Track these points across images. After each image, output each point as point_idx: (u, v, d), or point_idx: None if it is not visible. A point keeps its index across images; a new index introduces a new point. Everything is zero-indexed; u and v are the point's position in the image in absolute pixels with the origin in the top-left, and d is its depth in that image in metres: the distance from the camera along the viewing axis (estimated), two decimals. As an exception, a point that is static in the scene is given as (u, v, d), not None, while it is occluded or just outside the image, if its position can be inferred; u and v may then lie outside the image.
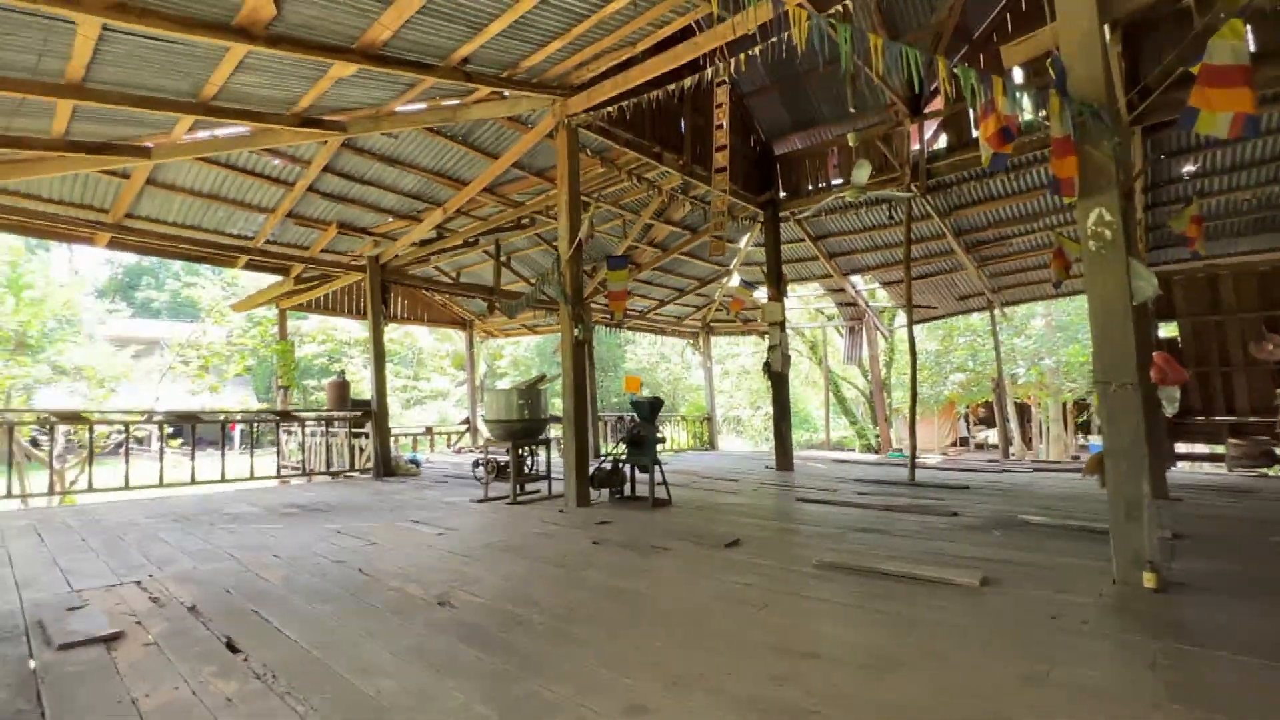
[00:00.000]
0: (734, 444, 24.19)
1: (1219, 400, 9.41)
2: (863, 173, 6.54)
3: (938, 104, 8.73)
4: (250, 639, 2.65)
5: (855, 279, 13.21)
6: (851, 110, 7.76)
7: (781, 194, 10.04)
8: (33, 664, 2.41)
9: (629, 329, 15.20)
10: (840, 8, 4.62)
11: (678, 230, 11.49)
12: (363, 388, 12.33)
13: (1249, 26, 4.82)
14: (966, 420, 21.69)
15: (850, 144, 7.26)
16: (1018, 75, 6.62)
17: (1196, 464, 10.53)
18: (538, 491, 7.06)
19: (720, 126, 7.21)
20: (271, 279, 11.04)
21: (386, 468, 9.50)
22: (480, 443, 14.28)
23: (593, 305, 12.23)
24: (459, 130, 7.56)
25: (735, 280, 11.69)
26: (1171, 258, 9.38)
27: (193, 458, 8.23)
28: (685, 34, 5.78)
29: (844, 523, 5.18)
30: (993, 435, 19.64)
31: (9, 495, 7.17)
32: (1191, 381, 9.18)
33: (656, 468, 6.18)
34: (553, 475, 7.16)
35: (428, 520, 5.55)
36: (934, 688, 2.14)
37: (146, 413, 8.66)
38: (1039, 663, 2.31)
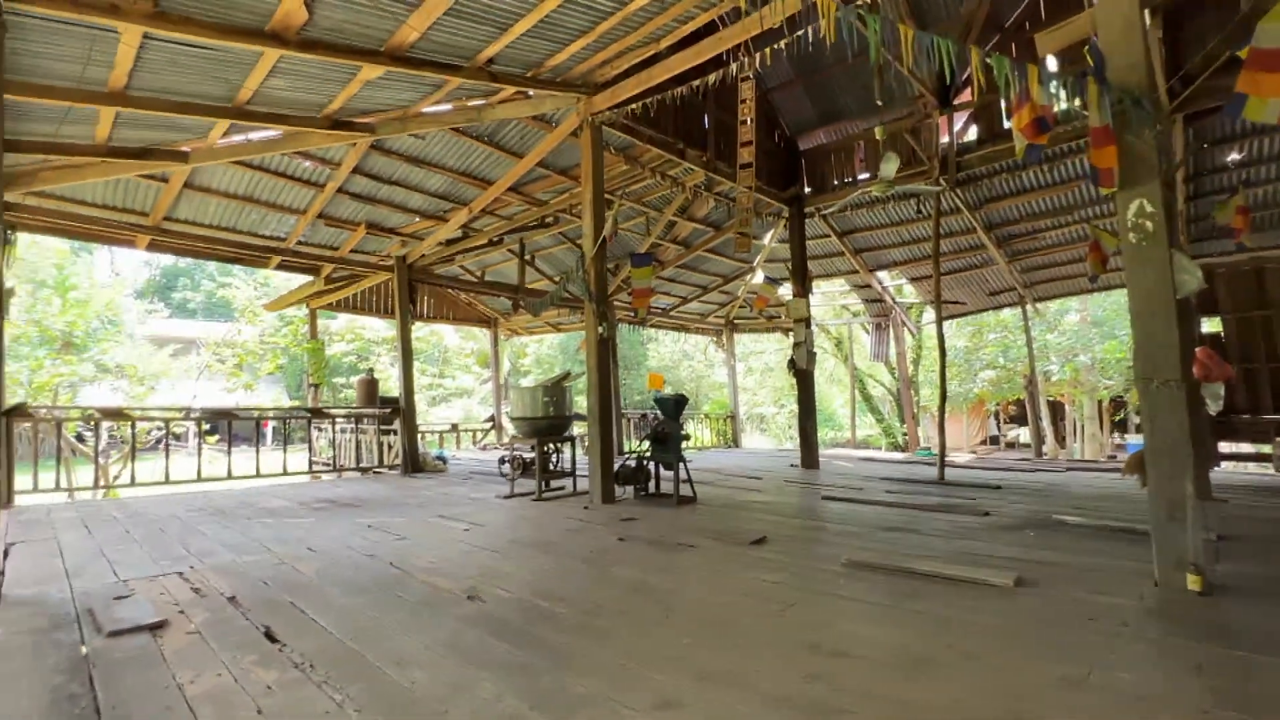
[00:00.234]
0: (758, 442, 24.04)
1: (1266, 398, 9.05)
2: (891, 166, 6.43)
3: (967, 95, 8.55)
4: (288, 629, 2.72)
5: (882, 275, 13.02)
6: (879, 103, 7.62)
7: (806, 189, 9.93)
8: (84, 649, 2.50)
9: (652, 326, 15.21)
10: (868, -1, 4.55)
11: (701, 227, 11.45)
12: (391, 385, 12.55)
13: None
14: (997, 418, 21.23)
15: (877, 137, 7.15)
16: (1051, 64, 6.45)
17: (1242, 464, 10.16)
18: (563, 488, 7.11)
19: (745, 122, 7.16)
20: (302, 279, 11.30)
21: (414, 464, 9.65)
22: (505, 439, 14.43)
23: (616, 303, 12.25)
24: (484, 130, 7.64)
25: (759, 277, 11.61)
26: (1215, 250, 9.05)
27: (229, 454, 8.47)
28: (709, 29, 5.76)
29: (872, 521, 5.11)
30: (1024, 434, 19.20)
31: (57, 488, 7.46)
32: (1236, 378, 8.85)
33: (681, 465, 6.17)
34: (578, 472, 7.20)
35: (456, 516, 5.62)
36: (968, 688, 2.10)
37: (184, 410, 8.93)
38: (1077, 665, 2.26)
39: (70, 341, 12.41)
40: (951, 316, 13.12)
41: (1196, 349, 5.23)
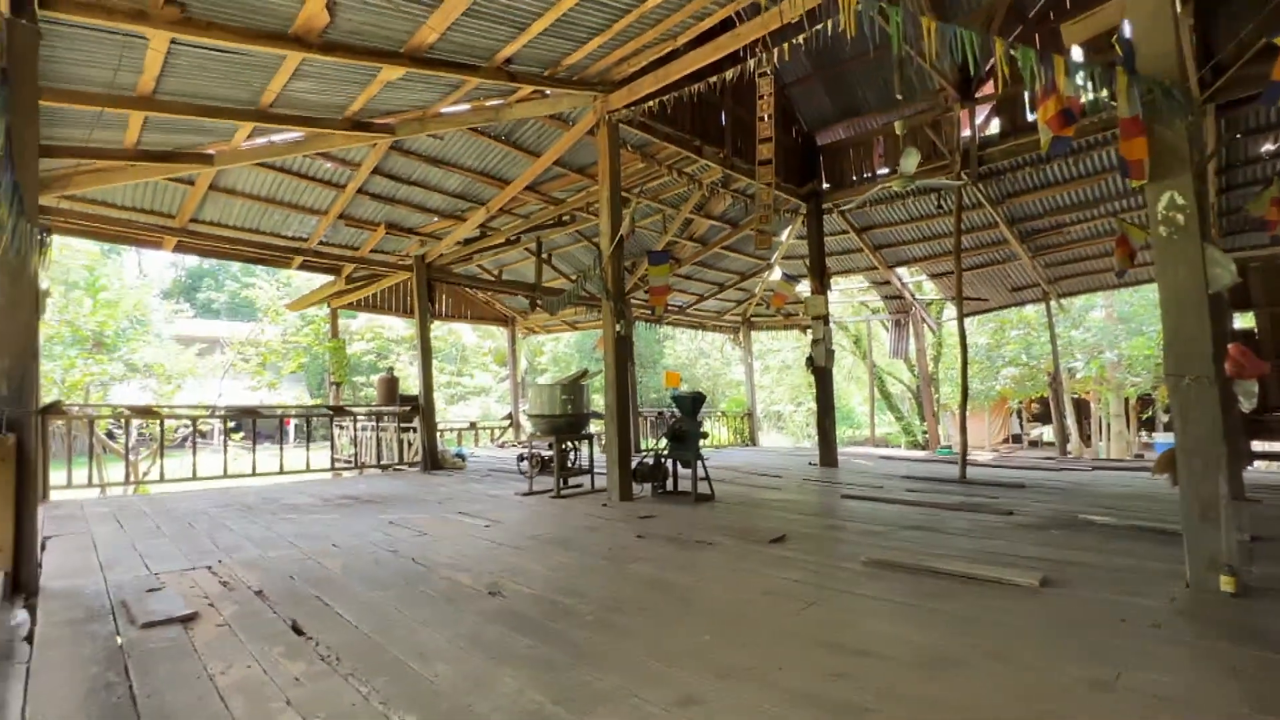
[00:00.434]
0: (775, 440, 23.92)
1: (1301, 395, 8.79)
2: (911, 161, 6.35)
3: (989, 88, 8.40)
4: (314, 622, 2.77)
5: (901, 271, 12.87)
6: (899, 97, 7.52)
7: (824, 185, 9.84)
8: (119, 640, 2.57)
9: (669, 324, 15.19)
10: (889, -9, 4.49)
11: (718, 224, 11.40)
12: (410, 384, 12.68)
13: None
14: (1019, 416, 20.89)
15: (897, 132, 7.06)
16: (1077, 54, 6.32)
17: (1276, 463, 9.88)
18: (580, 486, 7.14)
19: (764, 118, 7.11)
20: (324, 279, 11.46)
21: (434, 461, 9.75)
22: (523, 437, 14.52)
23: (633, 300, 12.27)
24: (502, 130, 7.68)
25: (777, 274, 11.53)
26: (1249, 244, 8.80)
27: (253, 451, 8.63)
28: (726, 25, 5.73)
29: (892, 520, 5.06)
30: (1047, 432, 18.87)
31: (90, 484, 7.66)
32: (1270, 375, 8.60)
33: (699, 463, 6.16)
34: (595, 470, 7.23)
35: (475, 512, 5.68)
36: (994, 688, 2.08)
37: (210, 408, 9.12)
38: (1107, 666, 2.22)
39: (101, 341, 12.73)
40: (973, 313, 12.93)
41: (1229, 345, 5.09)
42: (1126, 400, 16.70)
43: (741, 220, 11.32)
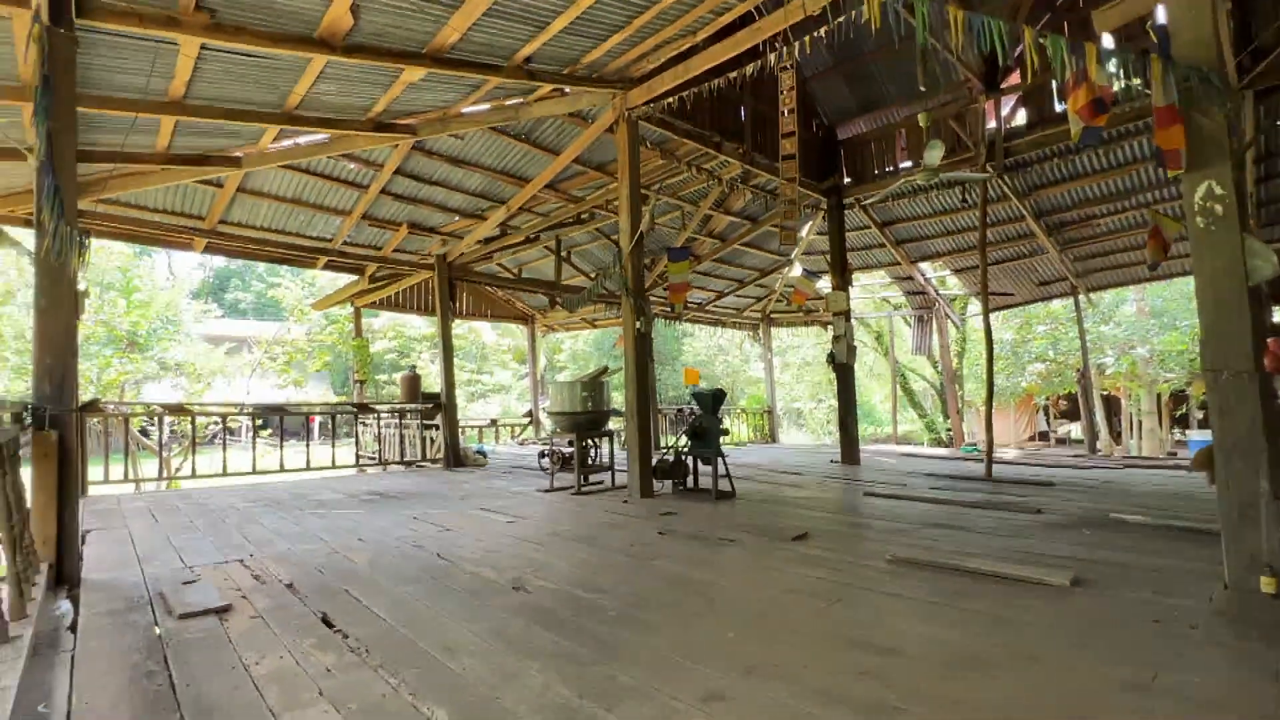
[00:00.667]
0: (795, 437, 23.76)
1: (1345, 391, 8.48)
2: (936, 154, 6.25)
3: (1015, 78, 8.23)
4: (343, 615, 2.83)
5: (924, 266, 12.68)
6: (922, 89, 7.39)
7: (846, 180, 9.73)
8: (158, 630, 2.65)
9: (688, 321, 15.16)
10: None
11: (737, 220, 11.35)
12: (431, 381, 12.83)
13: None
14: (1046, 413, 20.44)
15: (921, 124, 6.95)
16: (1108, 42, 6.16)
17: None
18: (601, 482, 7.17)
19: (786, 113, 7.05)
20: (348, 279, 11.64)
21: (456, 458, 9.86)
22: (542, 435, 14.61)
23: (651, 298, 12.25)
24: (522, 129, 7.72)
25: (797, 270, 11.45)
26: (1288, 234, 8.52)
27: (280, 447, 8.81)
28: (746, 20, 5.69)
29: (917, 518, 5.00)
30: (1076, 429, 18.46)
31: (125, 480, 7.89)
32: (1312, 371, 8.30)
33: (720, 460, 6.15)
34: (616, 467, 7.25)
35: (498, 509, 5.73)
36: (1025, 689, 2.04)
37: (239, 405, 9.33)
38: (1142, 668, 2.17)
39: (135, 341, 13.07)
40: (999, 308, 12.69)
41: (1269, 339, 4.94)
42: (1159, 397, 16.26)
43: (761, 216, 11.25)
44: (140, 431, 11.88)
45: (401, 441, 10.49)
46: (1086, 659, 2.27)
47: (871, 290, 16.40)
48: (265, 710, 1.96)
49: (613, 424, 8.47)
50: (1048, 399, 19.56)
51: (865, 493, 6.48)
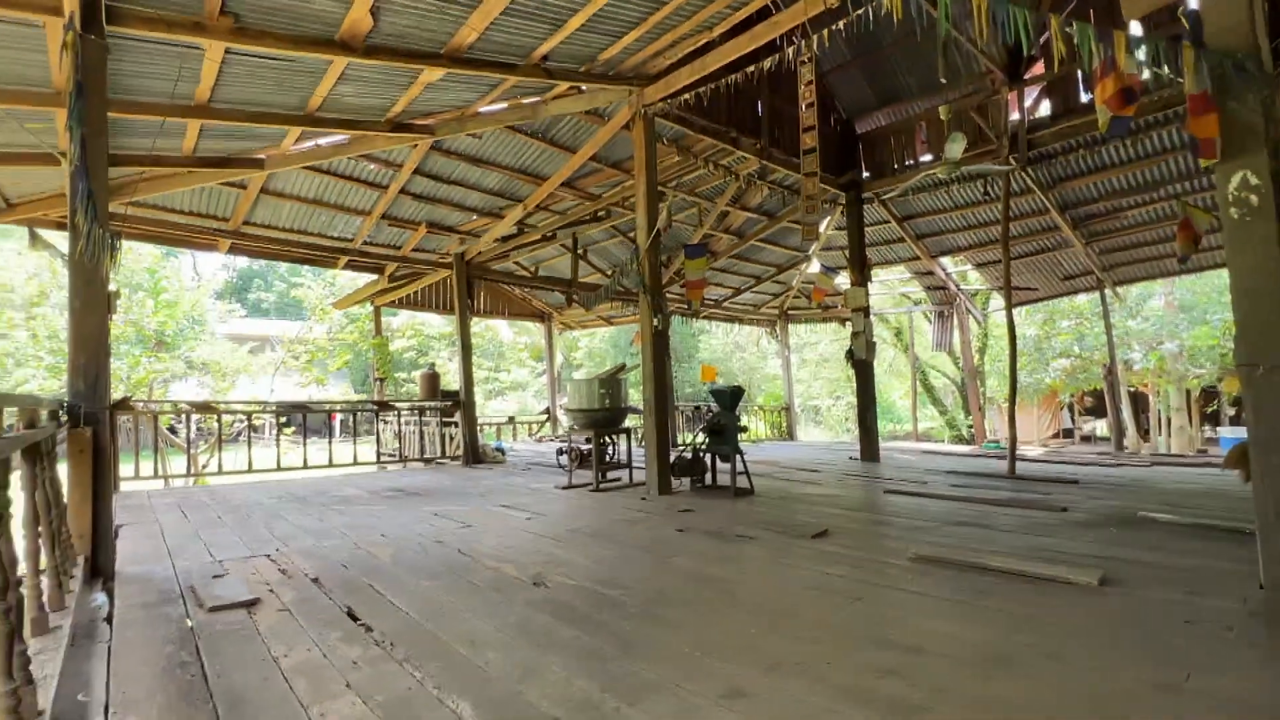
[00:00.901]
0: (813, 435, 23.60)
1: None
2: (957, 146, 6.16)
3: (1039, 69, 8.08)
4: (367, 609, 2.87)
5: (945, 261, 12.50)
6: (943, 81, 7.27)
7: (865, 174, 9.63)
8: (190, 623, 2.71)
9: (704, 318, 15.11)
10: (933, -28, 4.35)
11: (754, 216, 11.28)
12: (450, 379, 12.96)
13: None
14: (1071, 410, 20.06)
15: (942, 117, 6.83)
16: (1136, 29, 6.01)
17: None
18: (619, 480, 7.18)
19: (805, 107, 6.97)
20: (367, 278, 11.78)
21: (475, 455, 9.95)
22: (560, 432, 14.68)
23: (668, 295, 12.23)
24: (538, 127, 7.75)
25: (815, 266, 11.36)
26: (1325, 225, 8.24)
27: (303, 445, 8.96)
28: (763, 14, 5.65)
29: (939, 516, 4.95)
30: (1101, 426, 18.10)
31: (155, 476, 8.08)
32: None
33: (738, 457, 6.13)
34: (633, 464, 7.26)
35: (517, 505, 5.77)
36: (1052, 689, 2.01)
37: (263, 403, 9.51)
38: (1174, 669, 2.13)
39: (162, 340, 13.39)
40: (1023, 303, 12.48)
41: (1306, 333, 4.80)
42: (1188, 393, 15.86)
43: (779, 212, 11.17)
44: (168, 429, 12.17)
45: (421, 439, 10.61)
46: (1116, 659, 2.23)
47: (891, 286, 16.20)
48: (295, 701, 2.00)
49: (630, 421, 8.49)
50: (1072, 395, 19.19)
51: (886, 490, 6.42)
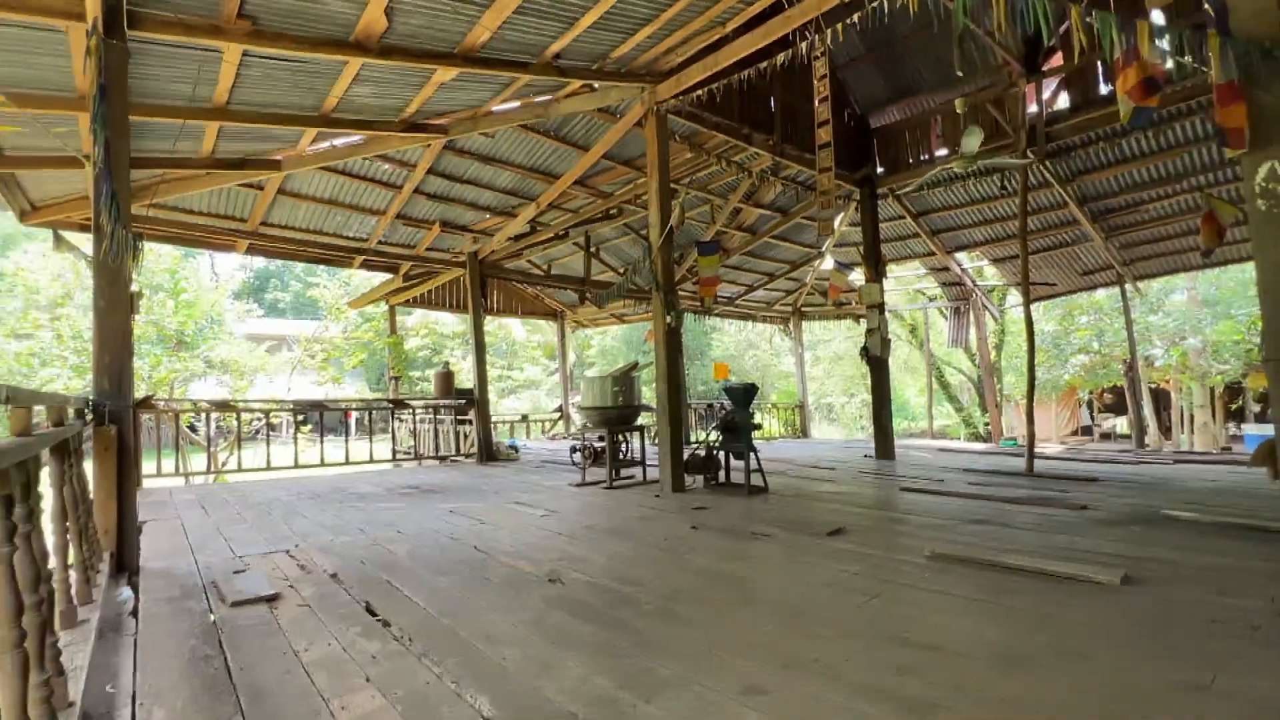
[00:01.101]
0: (827, 432, 23.48)
1: None
2: (974, 140, 6.08)
3: (1057, 60, 7.95)
4: (386, 605, 2.90)
5: (961, 256, 12.37)
6: (959, 74, 7.18)
7: (879, 169, 9.54)
8: (213, 617, 2.76)
9: (717, 315, 15.08)
10: (949, -37, 4.30)
11: (767, 213, 11.23)
12: (464, 378, 13.05)
13: None
14: (1090, 407, 19.76)
15: (957, 110, 6.77)
16: (1158, 18, 5.91)
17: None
18: (632, 477, 7.20)
19: (819, 101, 6.93)
20: (382, 277, 11.89)
21: (489, 452, 10.01)
22: (572, 430, 14.73)
23: (680, 292, 12.21)
24: (551, 126, 7.77)
25: (829, 263, 11.28)
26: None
27: (320, 442, 9.06)
28: (776, 8, 5.61)
29: (955, 514, 4.90)
30: (1121, 423, 17.81)
31: (176, 473, 8.23)
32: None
33: (752, 454, 6.11)
34: (647, 461, 7.27)
35: (531, 502, 5.80)
36: (1073, 688, 1.99)
37: (281, 401, 9.63)
38: (1199, 669, 2.09)
39: (182, 340, 13.61)
40: (1041, 299, 12.31)
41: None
42: (1212, 389, 15.56)
43: (791, 208, 11.11)
44: (189, 427, 12.37)
45: (436, 436, 10.70)
46: (1140, 659, 2.19)
47: (906, 282, 16.05)
48: (316, 695, 2.02)
49: (643, 419, 8.49)
50: (1091, 392, 18.90)
51: (901, 488, 6.37)
